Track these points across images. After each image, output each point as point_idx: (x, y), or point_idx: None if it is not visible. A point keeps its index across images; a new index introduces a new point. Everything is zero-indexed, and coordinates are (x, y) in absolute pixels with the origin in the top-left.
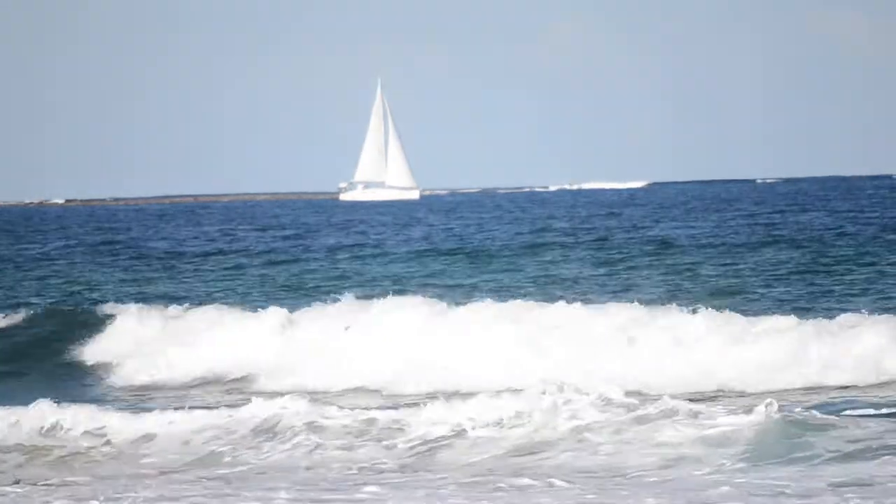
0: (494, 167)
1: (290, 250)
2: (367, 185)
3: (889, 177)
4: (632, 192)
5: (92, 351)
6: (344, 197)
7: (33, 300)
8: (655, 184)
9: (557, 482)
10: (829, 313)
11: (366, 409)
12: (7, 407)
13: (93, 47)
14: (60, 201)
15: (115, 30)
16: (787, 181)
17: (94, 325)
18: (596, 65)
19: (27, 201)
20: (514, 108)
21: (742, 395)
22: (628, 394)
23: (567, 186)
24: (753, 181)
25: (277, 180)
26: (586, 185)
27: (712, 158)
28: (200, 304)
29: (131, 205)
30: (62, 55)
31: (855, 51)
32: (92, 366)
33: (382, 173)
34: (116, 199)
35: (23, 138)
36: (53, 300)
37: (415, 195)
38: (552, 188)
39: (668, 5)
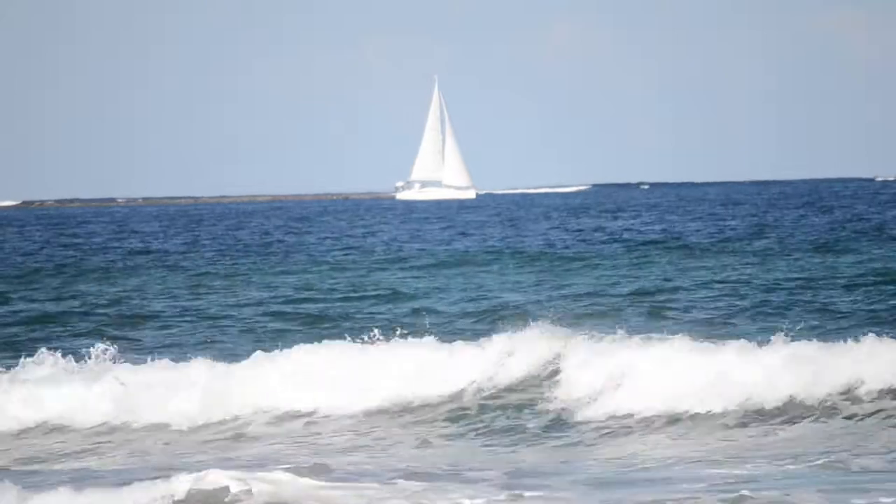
0: (494, 167)
1: None
2: (424, 185)
3: (871, 180)
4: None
5: None
6: (400, 196)
7: None
8: (655, 184)
9: None
10: None
11: None
12: None
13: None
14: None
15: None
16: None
17: None
18: (596, 65)
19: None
20: (514, 108)
21: None
22: None
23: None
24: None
25: (329, 181)
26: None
27: (711, 158)
28: None
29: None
30: (62, 55)
31: (855, 51)
32: None
33: (439, 172)
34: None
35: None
36: None
37: (471, 194)
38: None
39: (668, 5)
